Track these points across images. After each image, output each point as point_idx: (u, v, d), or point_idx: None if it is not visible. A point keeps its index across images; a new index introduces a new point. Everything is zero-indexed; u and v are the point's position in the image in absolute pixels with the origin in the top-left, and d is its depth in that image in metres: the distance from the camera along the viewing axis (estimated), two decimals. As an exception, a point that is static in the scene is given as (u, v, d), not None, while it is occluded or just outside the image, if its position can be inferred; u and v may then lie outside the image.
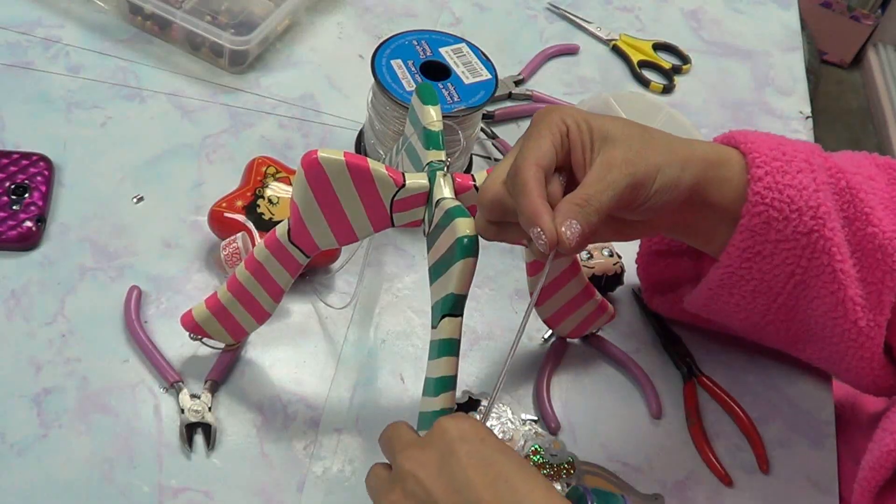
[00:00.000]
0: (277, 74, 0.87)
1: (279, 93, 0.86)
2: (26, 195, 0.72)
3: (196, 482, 0.61)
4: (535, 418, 0.68)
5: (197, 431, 0.63)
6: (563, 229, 0.49)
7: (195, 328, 0.65)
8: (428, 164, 0.58)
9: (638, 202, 0.54)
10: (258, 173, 0.73)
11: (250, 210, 0.71)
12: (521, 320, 0.52)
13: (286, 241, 0.59)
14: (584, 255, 0.73)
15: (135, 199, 0.75)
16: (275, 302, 0.63)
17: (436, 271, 0.55)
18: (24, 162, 0.73)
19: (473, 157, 0.83)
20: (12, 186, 0.72)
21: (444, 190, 0.56)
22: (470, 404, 0.67)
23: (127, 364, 0.66)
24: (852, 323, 0.61)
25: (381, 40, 0.77)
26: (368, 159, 0.56)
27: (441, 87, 0.74)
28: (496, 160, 0.84)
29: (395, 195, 0.57)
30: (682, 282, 0.71)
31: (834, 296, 0.60)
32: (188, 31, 0.84)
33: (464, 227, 0.52)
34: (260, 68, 0.87)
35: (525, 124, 0.90)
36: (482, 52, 0.78)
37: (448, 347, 0.53)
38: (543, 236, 0.49)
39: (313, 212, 0.57)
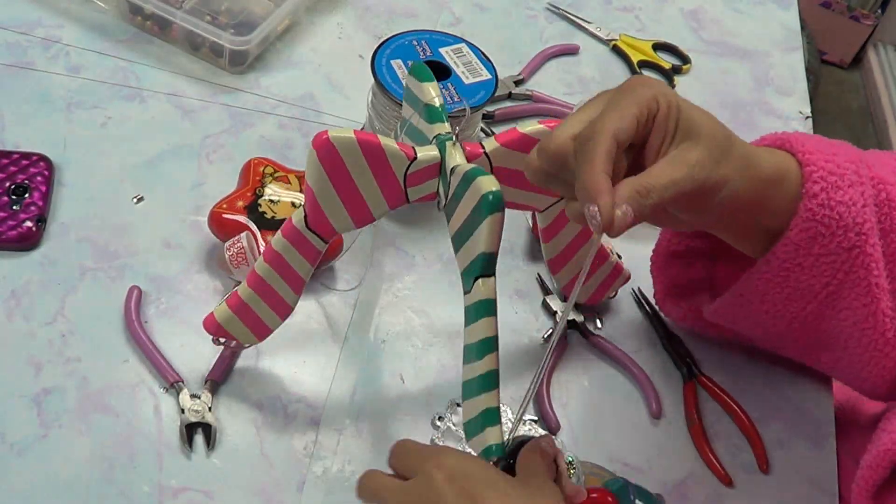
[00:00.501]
0: (277, 74, 0.87)
1: (279, 93, 0.86)
2: (26, 195, 0.72)
3: (196, 482, 0.61)
4: (535, 418, 0.68)
5: (197, 431, 0.63)
6: (617, 212, 0.47)
7: (218, 330, 0.64)
8: (435, 136, 0.58)
9: (695, 207, 0.53)
10: (256, 173, 0.73)
11: (252, 210, 0.71)
12: (567, 305, 0.51)
13: (303, 227, 0.58)
14: (584, 255, 0.73)
15: (135, 199, 0.75)
16: (296, 294, 0.63)
17: (460, 237, 0.54)
18: (24, 162, 0.73)
19: (473, 157, 0.83)
20: (12, 186, 0.72)
21: (456, 157, 0.56)
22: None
23: (127, 364, 0.66)
24: (880, 334, 0.61)
25: (381, 40, 0.77)
26: (379, 135, 0.55)
27: (441, 87, 0.73)
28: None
29: (407, 169, 0.56)
30: (696, 288, 0.71)
31: (866, 308, 0.60)
32: (188, 31, 0.84)
33: (487, 183, 0.51)
34: (260, 68, 0.87)
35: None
36: (482, 52, 0.78)
37: (485, 308, 0.53)
38: (598, 216, 0.47)
39: (328, 193, 0.57)
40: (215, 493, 0.61)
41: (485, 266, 0.53)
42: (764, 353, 0.74)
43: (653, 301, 0.75)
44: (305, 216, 0.58)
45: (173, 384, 0.64)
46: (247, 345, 0.66)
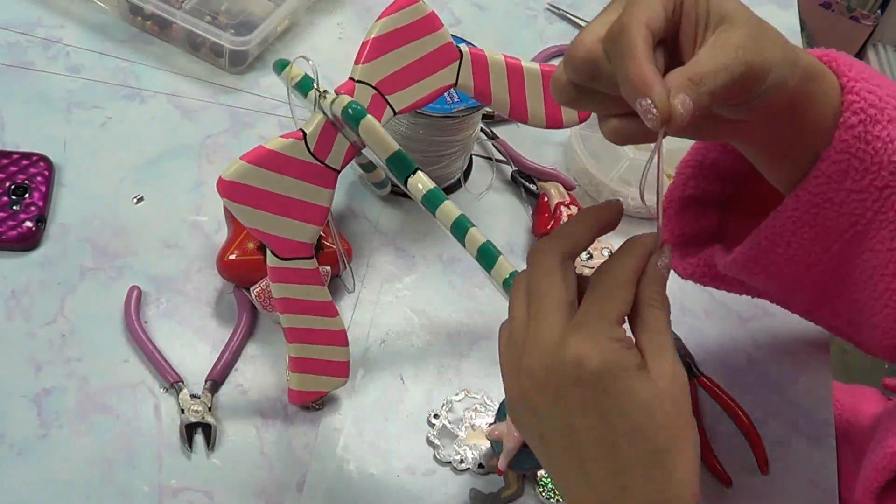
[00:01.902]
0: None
1: (279, 93, 0.85)
2: (26, 195, 0.72)
3: (196, 482, 0.61)
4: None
5: (197, 431, 0.63)
6: (675, 102, 0.43)
7: (305, 396, 0.64)
8: (313, 103, 0.58)
9: (746, 97, 0.49)
10: None
11: (264, 248, 0.68)
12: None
13: (281, 261, 0.58)
14: (584, 255, 0.73)
15: (135, 200, 0.75)
16: (334, 316, 0.62)
17: (377, 158, 0.56)
18: (24, 162, 0.73)
19: (473, 157, 0.83)
20: (12, 186, 0.72)
21: (330, 100, 0.56)
22: None
23: (127, 364, 0.66)
24: None
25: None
26: (262, 144, 0.55)
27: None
28: (497, 160, 0.84)
29: (309, 148, 0.56)
30: (705, 240, 0.69)
31: (890, 253, 0.58)
32: (188, 32, 0.84)
33: (341, 101, 0.53)
34: (260, 68, 0.87)
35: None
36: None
37: (432, 201, 0.54)
38: (654, 109, 0.42)
39: (270, 220, 0.56)
40: (215, 493, 0.61)
41: (400, 167, 0.54)
42: (764, 353, 0.74)
43: None
44: (273, 252, 0.58)
45: (173, 384, 0.64)
46: (340, 387, 0.65)
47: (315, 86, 0.58)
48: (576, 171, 0.84)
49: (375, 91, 0.58)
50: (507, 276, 0.52)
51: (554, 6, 1.02)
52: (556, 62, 0.96)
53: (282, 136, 0.56)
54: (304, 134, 0.56)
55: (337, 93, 0.57)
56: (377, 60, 0.59)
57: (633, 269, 0.46)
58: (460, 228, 0.53)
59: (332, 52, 0.91)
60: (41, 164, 0.74)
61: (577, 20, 1.01)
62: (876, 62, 2.50)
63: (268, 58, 0.88)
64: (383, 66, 0.59)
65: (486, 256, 0.53)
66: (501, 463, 0.61)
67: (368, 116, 0.54)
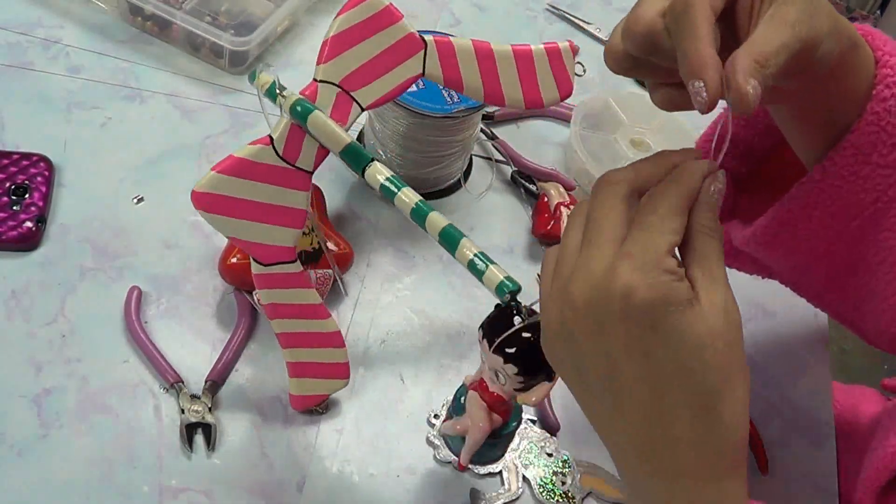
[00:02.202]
0: (277, 75, 0.87)
1: (279, 93, 0.85)
2: (26, 195, 0.72)
3: (196, 482, 0.61)
4: (535, 418, 0.68)
5: (197, 431, 0.63)
6: (749, 87, 0.42)
7: (307, 401, 0.64)
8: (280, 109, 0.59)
9: (795, 69, 0.48)
10: None
11: None
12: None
13: (265, 268, 0.58)
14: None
15: (135, 200, 0.75)
16: (327, 318, 0.62)
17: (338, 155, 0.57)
18: (24, 162, 0.73)
19: (473, 157, 0.83)
20: (12, 187, 0.72)
21: (288, 99, 0.57)
22: None
23: (127, 364, 0.66)
24: None
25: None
26: (232, 153, 0.56)
27: (442, 88, 0.74)
28: (497, 161, 0.84)
29: (278, 152, 0.57)
30: (720, 215, 0.69)
31: None
32: (188, 32, 0.84)
33: (289, 101, 0.54)
34: (260, 69, 0.87)
35: (525, 126, 0.90)
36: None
37: (390, 189, 0.55)
38: (704, 94, 0.42)
39: (249, 228, 0.56)
40: (215, 493, 0.61)
41: (355, 159, 0.55)
42: (764, 353, 0.74)
43: None
44: (255, 259, 0.58)
45: (173, 384, 0.64)
46: (341, 389, 0.65)
47: (277, 89, 0.58)
48: (576, 172, 0.84)
49: (339, 89, 0.58)
50: (472, 256, 0.53)
51: (554, 6, 1.02)
52: (555, 62, 0.96)
53: (250, 143, 0.56)
54: (272, 139, 0.56)
55: (309, 97, 0.57)
56: (338, 58, 0.58)
57: (687, 194, 0.44)
58: (419, 214, 0.54)
59: (332, 52, 0.91)
60: (41, 164, 0.74)
61: (576, 20, 1.01)
62: (875, 63, 2.50)
63: (268, 58, 0.88)
64: (345, 64, 0.58)
65: (450, 240, 0.54)
66: (464, 458, 0.61)
67: (316, 112, 0.55)
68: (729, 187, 0.68)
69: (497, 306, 0.54)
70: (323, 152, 0.58)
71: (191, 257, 0.72)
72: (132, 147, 0.78)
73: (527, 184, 0.82)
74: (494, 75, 0.64)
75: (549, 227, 0.77)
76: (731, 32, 0.47)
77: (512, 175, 0.83)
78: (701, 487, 0.43)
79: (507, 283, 0.52)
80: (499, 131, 0.86)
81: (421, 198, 0.54)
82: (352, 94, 0.59)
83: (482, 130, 0.85)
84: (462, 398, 0.60)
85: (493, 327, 0.53)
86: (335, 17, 0.58)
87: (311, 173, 0.58)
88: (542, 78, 0.66)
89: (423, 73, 0.62)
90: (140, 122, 0.81)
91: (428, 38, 0.61)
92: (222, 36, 0.82)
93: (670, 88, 0.48)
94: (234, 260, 0.67)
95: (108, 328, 0.67)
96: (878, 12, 2.44)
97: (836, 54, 0.50)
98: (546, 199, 0.79)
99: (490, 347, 0.53)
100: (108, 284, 0.69)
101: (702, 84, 0.42)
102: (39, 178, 0.73)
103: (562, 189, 0.80)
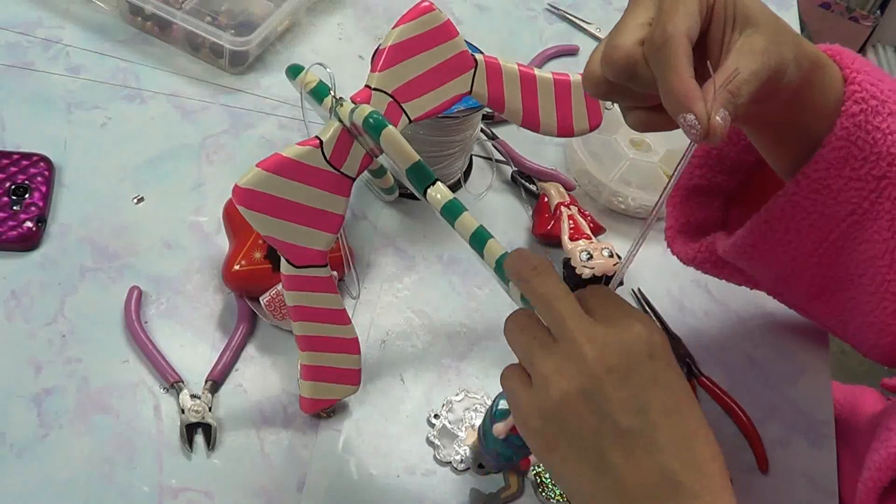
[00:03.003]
0: (277, 75, 0.87)
1: (279, 93, 0.86)
2: (26, 195, 0.72)
3: (196, 482, 0.61)
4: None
5: (197, 431, 0.63)
6: (717, 118, 0.45)
7: (316, 405, 0.63)
8: (328, 110, 0.58)
9: (764, 95, 0.50)
10: None
11: (272, 257, 0.68)
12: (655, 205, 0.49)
13: (296, 269, 0.58)
14: (583, 255, 0.73)
15: (135, 200, 0.75)
16: (347, 324, 0.62)
17: (395, 169, 0.57)
18: (25, 162, 0.73)
19: (473, 157, 0.83)
20: (12, 187, 0.72)
21: (349, 109, 0.56)
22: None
23: (127, 364, 0.66)
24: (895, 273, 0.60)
25: (381, 40, 0.77)
26: (279, 152, 0.55)
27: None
28: (497, 161, 0.84)
29: (326, 156, 0.56)
30: (708, 228, 0.70)
31: (886, 243, 0.59)
32: (188, 32, 0.84)
33: (362, 111, 0.53)
34: (260, 69, 0.87)
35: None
36: (478, 50, 0.78)
37: (452, 211, 0.54)
38: (698, 125, 0.44)
39: (286, 229, 0.56)
40: (215, 493, 0.61)
41: (419, 177, 0.54)
42: (764, 353, 0.74)
43: (652, 301, 0.75)
44: (287, 260, 0.57)
45: (173, 384, 0.64)
46: (351, 395, 0.65)
47: (332, 93, 0.58)
48: (576, 172, 0.84)
49: (391, 99, 0.58)
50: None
51: (554, 6, 1.02)
52: (555, 62, 0.96)
53: (298, 144, 0.55)
54: (321, 142, 0.56)
55: (353, 101, 0.57)
56: (393, 68, 0.58)
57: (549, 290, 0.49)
58: (479, 240, 0.53)
59: (332, 52, 0.91)
60: (41, 164, 0.74)
61: (576, 20, 1.01)
62: (875, 62, 2.50)
63: (268, 58, 0.88)
64: (399, 74, 0.59)
65: (478, 239, 0.53)
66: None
67: (389, 126, 0.54)
68: (719, 201, 0.70)
69: None
70: (367, 160, 0.58)
71: (191, 257, 0.72)
72: (132, 147, 0.78)
73: (527, 184, 0.82)
74: (534, 100, 0.65)
75: (549, 227, 0.77)
76: (700, 61, 0.49)
77: (512, 175, 0.83)
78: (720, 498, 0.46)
79: None
80: (499, 131, 0.86)
81: (481, 224, 0.54)
82: (402, 105, 0.59)
83: (482, 130, 0.85)
84: (501, 402, 0.58)
85: None
86: (394, 27, 0.59)
87: (354, 180, 0.58)
88: (576, 107, 0.67)
89: (471, 92, 0.62)
90: (140, 122, 0.81)
91: (478, 57, 0.62)
92: (222, 36, 0.82)
93: (644, 111, 0.50)
94: (237, 267, 0.67)
95: (108, 328, 0.67)
96: (878, 12, 2.43)
97: (800, 77, 0.52)
98: (546, 199, 0.79)
99: None
100: (108, 284, 0.69)
101: (693, 117, 0.44)
102: (39, 178, 0.73)
103: (562, 189, 0.80)
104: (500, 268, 0.52)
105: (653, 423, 0.45)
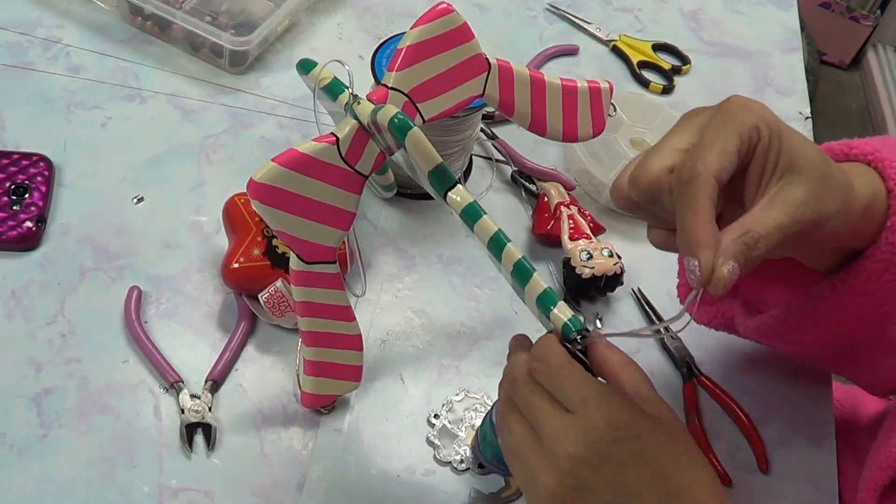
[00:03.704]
0: (277, 75, 0.87)
1: (279, 93, 0.86)
2: (26, 195, 0.72)
3: (196, 482, 0.61)
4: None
5: (197, 431, 0.63)
6: (724, 269, 0.44)
7: (317, 400, 0.64)
8: (344, 106, 0.58)
9: (794, 245, 0.50)
10: (252, 213, 0.69)
11: (270, 254, 0.68)
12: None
13: (305, 265, 0.58)
14: (583, 255, 0.73)
15: (135, 200, 0.75)
16: (352, 321, 0.62)
17: (413, 170, 0.56)
18: (25, 162, 0.73)
19: (473, 157, 0.83)
20: (12, 187, 0.72)
21: (367, 109, 0.56)
22: None
23: (127, 364, 0.66)
24: None
25: (381, 40, 0.77)
26: (294, 147, 0.55)
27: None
28: (497, 161, 0.84)
29: (341, 153, 0.56)
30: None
31: None
32: (188, 32, 0.84)
33: (387, 112, 0.53)
34: (260, 69, 0.87)
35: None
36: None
37: (471, 214, 0.53)
38: (698, 271, 0.44)
39: (297, 224, 0.56)
40: (215, 493, 0.61)
41: (441, 180, 0.54)
42: (764, 353, 0.74)
43: (652, 301, 0.75)
44: (298, 256, 0.57)
45: (173, 384, 0.64)
46: (352, 392, 0.65)
47: (349, 90, 0.58)
48: (576, 172, 0.84)
49: (407, 99, 0.58)
50: (541, 292, 0.51)
51: (554, 6, 1.02)
52: (555, 62, 0.96)
53: (314, 140, 0.55)
54: (337, 139, 0.56)
55: (369, 99, 0.57)
56: (411, 68, 0.58)
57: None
58: (497, 244, 0.52)
59: (332, 52, 0.91)
60: (41, 164, 0.74)
61: (576, 20, 1.01)
62: (875, 62, 2.50)
63: (268, 58, 0.88)
64: (416, 75, 0.59)
65: (522, 273, 0.52)
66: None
67: (416, 128, 0.53)
68: None
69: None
70: (381, 159, 0.58)
71: (191, 257, 0.72)
72: (132, 147, 0.78)
73: (527, 184, 0.82)
74: (543, 105, 0.65)
75: (549, 227, 0.77)
76: (737, 199, 0.48)
77: (512, 175, 0.83)
78: None
79: (570, 324, 0.50)
80: (499, 131, 0.86)
81: (500, 228, 0.53)
82: (418, 105, 0.59)
83: (482, 130, 0.85)
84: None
85: None
86: (413, 27, 0.59)
87: (367, 178, 0.58)
88: (582, 113, 0.67)
89: (483, 94, 0.62)
90: (140, 122, 0.81)
91: (492, 60, 0.62)
92: (222, 36, 0.82)
93: (666, 232, 0.49)
94: (236, 265, 0.67)
95: (108, 328, 0.67)
96: (878, 12, 2.43)
97: (849, 230, 0.51)
98: (546, 199, 0.79)
99: None
100: (108, 284, 0.69)
101: (696, 263, 0.44)
102: (39, 178, 0.73)
103: (562, 189, 0.80)
104: (518, 272, 0.51)
105: (634, 492, 0.45)
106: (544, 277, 0.52)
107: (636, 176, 0.48)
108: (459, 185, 0.54)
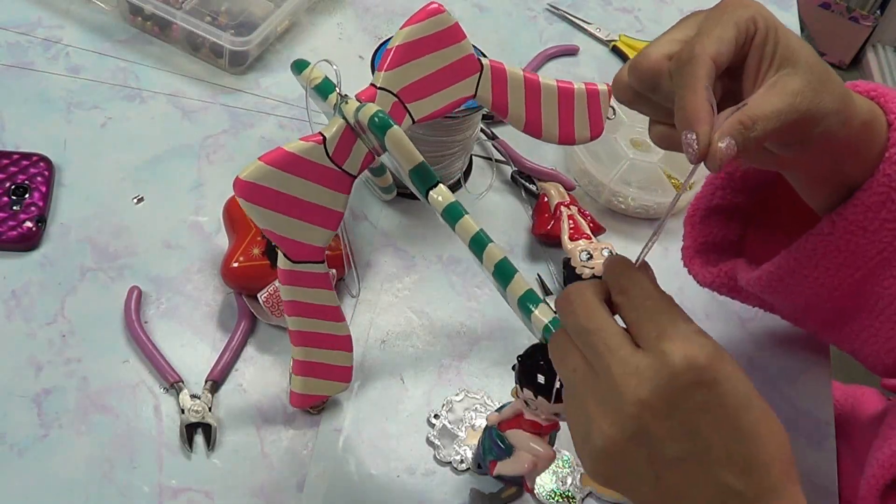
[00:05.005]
0: (277, 75, 0.87)
1: (279, 93, 0.86)
2: (26, 195, 0.72)
3: (196, 482, 0.61)
4: (535, 418, 0.68)
5: (197, 431, 0.63)
6: (720, 144, 0.44)
7: (306, 400, 0.64)
8: (333, 107, 0.58)
9: (791, 139, 0.50)
10: None
11: (270, 253, 0.68)
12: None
13: (292, 264, 0.58)
14: (583, 255, 0.73)
15: (135, 200, 0.75)
16: (341, 321, 0.62)
17: (397, 169, 0.56)
18: (25, 162, 0.73)
19: (473, 157, 0.83)
20: (12, 187, 0.72)
21: (353, 107, 0.56)
22: None
23: (127, 364, 0.66)
24: None
25: (381, 40, 0.77)
26: (282, 146, 0.55)
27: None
28: (497, 161, 0.84)
29: (328, 153, 0.56)
30: (726, 249, 0.69)
31: None
32: (188, 32, 0.84)
33: (368, 110, 0.53)
34: (260, 69, 0.87)
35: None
36: (482, 53, 0.78)
37: (452, 214, 0.53)
38: (695, 144, 0.44)
39: (284, 223, 0.56)
40: (215, 493, 0.61)
41: (422, 178, 0.54)
42: (764, 353, 0.74)
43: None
44: (284, 254, 0.57)
45: (173, 384, 0.64)
46: (341, 392, 0.65)
47: (337, 90, 0.58)
48: (576, 172, 0.84)
49: (396, 99, 0.58)
50: (523, 293, 0.50)
51: (554, 6, 1.02)
52: (555, 62, 0.96)
53: (301, 139, 0.55)
54: (324, 138, 0.56)
55: (358, 98, 0.57)
56: (400, 68, 0.58)
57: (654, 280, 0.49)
58: (479, 244, 0.52)
59: (332, 52, 0.91)
60: (41, 164, 0.74)
61: (576, 20, 1.01)
62: (875, 62, 2.50)
63: (268, 58, 0.88)
64: (406, 75, 0.59)
65: (503, 273, 0.51)
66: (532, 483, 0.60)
67: (395, 127, 0.54)
68: (736, 222, 0.69)
69: (534, 345, 0.53)
70: (369, 158, 0.58)
71: (191, 257, 0.72)
72: (132, 147, 0.78)
73: (527, 184, 0.82)
74: (537, 107, 0.65)
75: (549, 227, 0.77)
76: (735, 87, 0.49)
77: (512, 175, 0.83)
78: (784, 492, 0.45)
79: (551, 326, 0.49)
80: (499, 131, 0.86)
81: (481, 228, 0.53)
82: (407, 105, 0.59)
83: (482, 130, 0.85)
84: (500, 441, 0.58)
85: (526, 366, 0.52)
86: (403, 26, 0.59)
87: (355, 178, 0.58)
88: (579, 116, 0.67)
89: (475, 95, 0.62)
90: (140, 122, 0.81)
91: (484, 61, 0.62)
92: (222, 36, 0.82)
93: (667, 127, 0.49)
94: (236, 264, 0.67)
95: (108, 328, 0.67)
96: (878, 12, 2.44)
97: (844, 134, 0.51)
98: (546, 199, 0.79)
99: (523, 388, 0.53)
100: (108, 284, 0.69)
101: (694, 136, 0.44)
102: (39, 178, 0.73)
103: (562, 189, 0.80)
104: (499, 273, 0.51)
105: (704, 443, 0.43)
106: (525, 278, 0.52)
107: (636, 62, 0.49)
108: (441, 185, 0.54)
